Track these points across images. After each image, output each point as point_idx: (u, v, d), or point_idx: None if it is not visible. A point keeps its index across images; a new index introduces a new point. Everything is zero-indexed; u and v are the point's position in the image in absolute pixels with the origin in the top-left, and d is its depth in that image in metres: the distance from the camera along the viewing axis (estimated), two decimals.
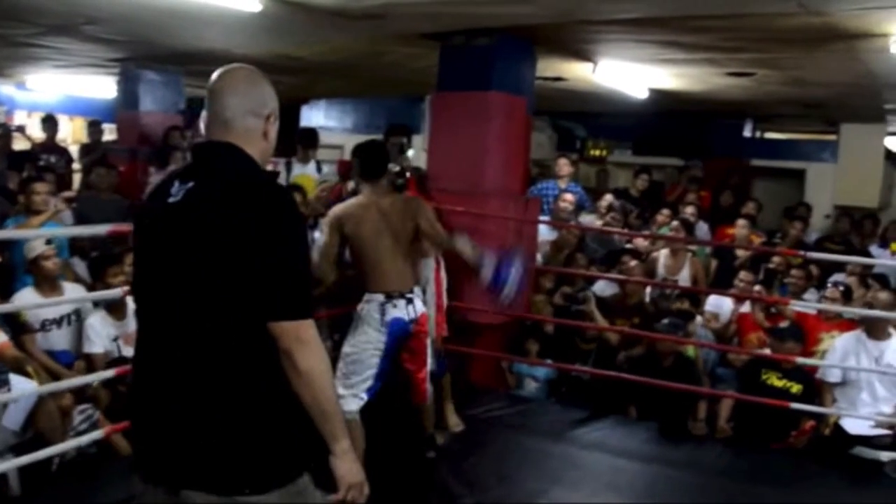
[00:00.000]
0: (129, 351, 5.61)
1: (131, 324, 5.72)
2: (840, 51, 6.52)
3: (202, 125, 2.38)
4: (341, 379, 4.43)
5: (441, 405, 5.47)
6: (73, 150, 11.41)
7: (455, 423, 5.61)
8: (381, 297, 4.51)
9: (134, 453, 2.37)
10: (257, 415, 2.22)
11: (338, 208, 4.61)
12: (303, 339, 2.19)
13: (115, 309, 5.68)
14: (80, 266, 6.85)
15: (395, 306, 4.50)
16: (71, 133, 13.67)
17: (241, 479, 2.20)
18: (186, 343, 2.23)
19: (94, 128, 10.80)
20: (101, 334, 5.66)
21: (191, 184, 2.26)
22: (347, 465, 2.32)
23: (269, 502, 2.22)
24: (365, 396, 4.50)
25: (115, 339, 5.70)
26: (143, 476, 2.32)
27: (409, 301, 4.56)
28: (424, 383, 4.83)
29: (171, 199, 2.25)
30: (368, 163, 4.66)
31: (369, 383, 4.52)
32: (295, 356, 2.18)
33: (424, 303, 4.77)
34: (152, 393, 2.29)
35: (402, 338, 4.58)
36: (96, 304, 5.86)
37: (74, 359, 5.66)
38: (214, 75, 2.36)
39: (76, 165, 10.51)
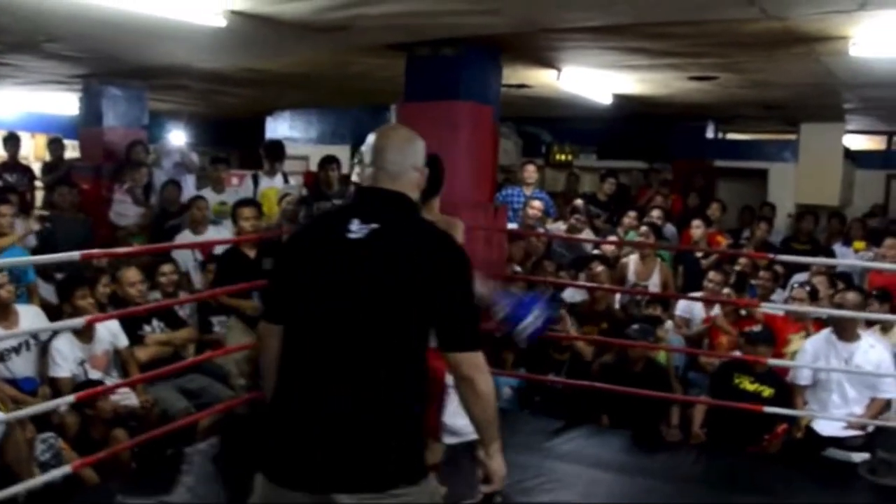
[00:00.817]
0: (95, 374, 5.58)
1: (97, 346, 5.68)
2: (800, 53, 6.58)
3: (359, 172, 2.82)
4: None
5: None
6: (36, 167, 11.31)
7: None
8: None
9: (274, 461, 2.60)
10: (410, 424, 2.60)
11: None
12: (480, 367, 2.60)
13: (81, 331, 5.54)
14: (44, 288, 6.78)
15: None
16: (33, 150, 13.51)
17: (396, 475, 2.52)
18: (359, 360, 2.53)
19: (56, 145, 10.68)
20: (68, 357, 5.54)
21: (375, 224, 2.58)
22: (500, 462, 2.78)
23: (418, 493, 2.57)
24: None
25: (82, 363, 5.60)
26: (282, 482, 2.57)
27: None
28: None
29: (352, 236, 2.58)
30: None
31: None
32: (476, 381, 2.59)
33: None
34: (316, 406, 2.56)
35: None
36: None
37: (38, 385, 5.54)
38: (378, 133, 2.76)
39: (39, 184, 10.40)
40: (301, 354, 2.63)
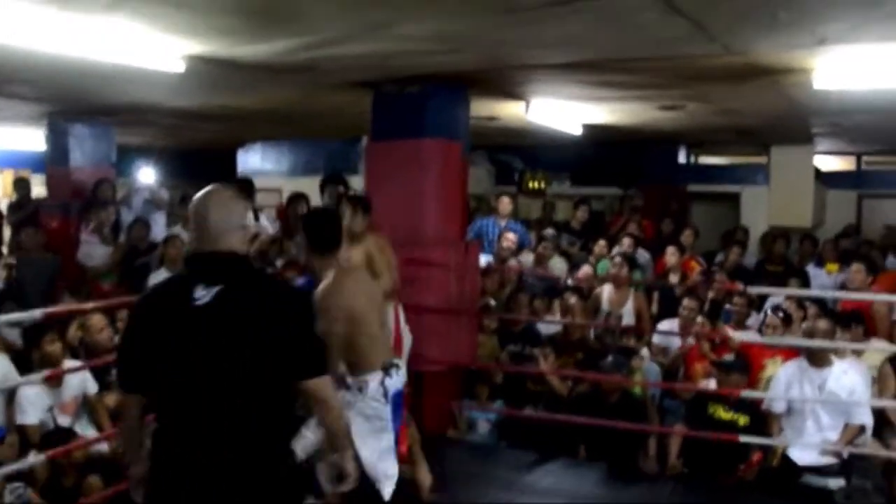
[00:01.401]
0: (64, 420, 5.53)
1: (66, 392, 5.64)
2: (765, 85, 6.64)
3: (190, 234, 3.03)
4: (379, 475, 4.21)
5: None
6: (4, 204, 11.20)
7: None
8: (380, 374, 4.21)
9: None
10: (284, 465, 2.92)
11: (324, 296, 4.13)
12: (330, 388, 3.05)
13: (49, 377, 5.47)
14: (10, 332, 6.69)
15: (391, 377, 4.24)
16: (1, 187, 13.39)
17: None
18: (228, 408, 2.77)
19: (21, 184, 10.60)
20: (36, 404, 5.48)
21: (218, 287, 2.78)
22: (351, 465, 3.25)
23: None
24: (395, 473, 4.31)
25: (51, 409, 5.55)
26: None
27: (398, 367, 4.34)
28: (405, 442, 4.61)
29: (199, 302, 2.76)
30: (322, 236, 4.29)
31: (392, 467, 4.29)
32: (328, 401, 3.01)
33: None
34: (191, 456, 2.79)
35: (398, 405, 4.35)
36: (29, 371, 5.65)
37: (5, 433, 5.45)
38: (200, 196, 2.92)
39: (5, 223, 10.30)
40: (174, 423, 2.85)
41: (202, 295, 2.77)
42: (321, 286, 4.19)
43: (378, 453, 4.19)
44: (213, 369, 2.76)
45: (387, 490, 4.22)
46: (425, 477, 5.23)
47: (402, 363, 4.51)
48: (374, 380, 4.19)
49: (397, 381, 4.28)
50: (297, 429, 3.27)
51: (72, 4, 4.33)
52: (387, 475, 4.23)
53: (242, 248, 2.90)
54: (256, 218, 8.48)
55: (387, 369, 4.25)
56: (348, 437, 3.26)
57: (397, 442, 4.41)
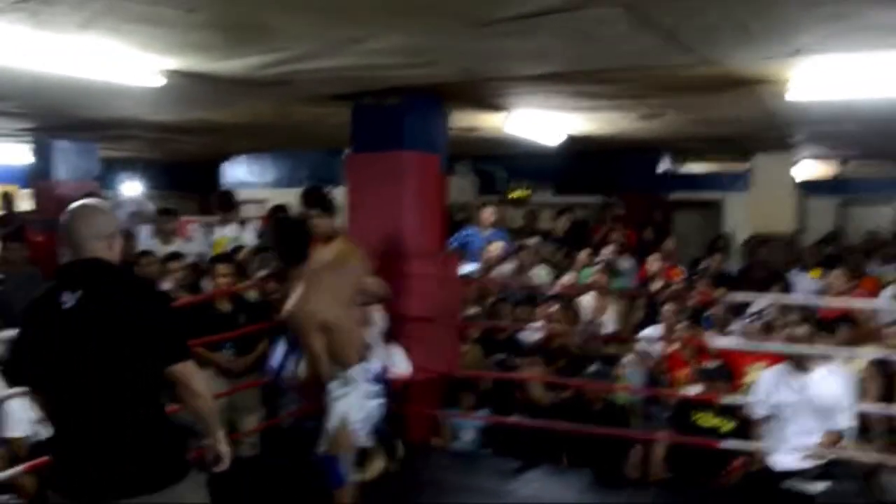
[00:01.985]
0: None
1: None
2: (742, 94, 6.68)
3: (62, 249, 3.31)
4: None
5: None
6: None
7: None
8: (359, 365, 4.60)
9: (61, 483, 3.25)
10: (159, 438, 3.24)
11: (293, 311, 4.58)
12: (193, 372, 3.24)
13: None
14: None
15: (368, 362, 4.65)
16: None
17: (161, 478, 3.19)
18: (103, 398, 3.12)
19: (5, 200, 10.58)
20: (22, 417, 5.43)
21: (80, 292, 3.12)
22: (225, 447, 3.45)
23: (184, 487, 3.23)
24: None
25: (38, 421, 5.41)
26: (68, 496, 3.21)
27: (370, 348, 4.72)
28: None
29: (65, 306, 3.10)
30: (288, 248, 4.63)
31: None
32: (191, 383, 3.22)
33: None
34: (79, 442, 3.18)
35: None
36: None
37: None
38: (68, 212, 3.25)
39: None
40: (56, 409, 3.25)
41: (67, 299, 3.11)
42: (289, 302, 4.52)
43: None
44: (79, 365, 3.11)
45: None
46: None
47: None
48: (358, 369, 4.54)
49: (374, 362, 4.66)
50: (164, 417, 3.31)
51: (46, 24, 4.36)
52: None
53: (108, 254, 3.22)
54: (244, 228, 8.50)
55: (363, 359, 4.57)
56: (216, 419, 3.43)
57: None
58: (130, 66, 5.38)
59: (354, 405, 4.54)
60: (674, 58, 5.18)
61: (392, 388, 5.20)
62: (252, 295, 7.08)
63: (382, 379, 4.71)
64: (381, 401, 4.72)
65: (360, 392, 4.55)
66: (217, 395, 5.94)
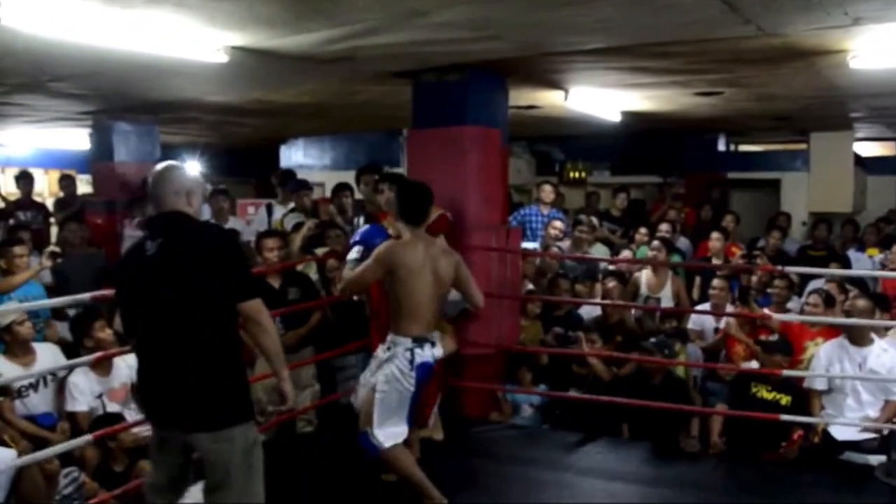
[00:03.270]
0: (113, 407, 5.61)
1: (115, 380, 5.74)
2: (801, 67, 6.65)
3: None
4: (376, 417, 4.56)
5: None
6: (50, 203, 11.36)
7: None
8: (408, 342, 4.53)
9: (150, 414, 3.79)
10: (223, 379, 3.51)
11: (390, 244, 4.70)
12: (261, 310, 3.54)
13: (99, 365, 5.59)
14: (58, 325, 6.86)
15: (422, 349, 4.54)
16: (47, 186, 13.61)
17: (222, 420, 3.50)
18: (176, 343, 3.48)
19: (67, 181, 10.75)
20: (85, 391, 5.59)
21: (160, 240, 3.53)
22: (289, 386, 3.69)
23: (241, 431, 3.53)
24: (397, 441, 4.62)
25: (100, 396, 5.65)
26: (159, 425, 3.73)
27: (433, 344, 4.61)
28: (431, 415, 5.07)
29: (148, 253, 3.53)
30: (412, 207, 4.69)
31: (400, 428, 4.63)
32: (259, 320, 3.53)
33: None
34: (159, 377, 3.59)
35: (426, 380, 4.64)
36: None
37: (56, 420, 5.57)
38: (153, 171, 3.68)
39: (53, 220, 10.49)
40: (143, 347, 3.65)
41: (150, 248, 3.53)
42: (392, 242, 4.73)
43: (386, 412, 4.56)
44: (158, 306, 3.49)
45: (385, 442, 4.58)
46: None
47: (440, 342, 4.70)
48: (403, 346, 4.53)
49: (428, 353, 4.55)
50: (234, 359, 3.62)
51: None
52: (391, 433, 4.60)
53: (186, 208, 3.60)
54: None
55: (419, 341, 4.52)
56: (281, 358, 3.65)
57: (422, 406, 4.85)
58: (195, 42, 5.42)
59: (389, 373, 4.56)
60: (733, 29, 5.14)
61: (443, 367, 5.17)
62: (312, 271, 7.19)
63: (423, 379, 4.62)
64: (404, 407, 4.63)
65: (398, 363, 4.56)
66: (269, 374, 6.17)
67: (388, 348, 4.59)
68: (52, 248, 6.76)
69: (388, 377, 4.52)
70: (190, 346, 3.49)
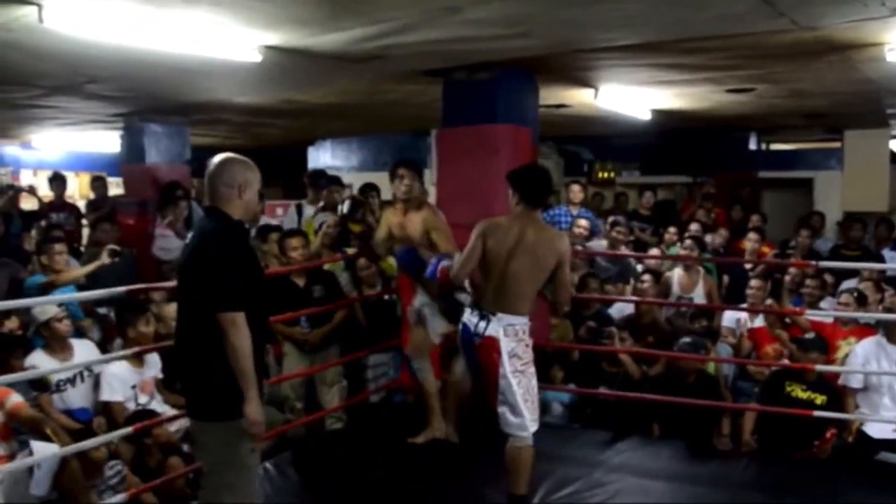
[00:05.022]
0: (145, 399, 5.81)
1: (148, 371, 5.93)
2: (836, 62, 6.58)
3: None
4: None
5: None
6: (81, 205, 11.52)
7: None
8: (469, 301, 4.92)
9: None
10: (215, 371, 3.53)
11: (486, 221, 4.86)
12: (233, 323, 3.46)
13: (135, 356, 5.74)
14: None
15: (473, 317, 4.76)
16: (78, 189, 13.77)
17: (206, 413, 3.65)
18: (181, 332, 3.73)
19: (99, 183, 10.88)
20: (123, 381, 5.78)
21: (194, 233, 3.81)
22: (254, 408, 3.55)
23: (223, 427, 3.58)
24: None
25: (133, 387, 5.82)
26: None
27: (486, 319, 4.71)
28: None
29: (186, 243, 3.87)
30: (535, 190, 4.81)
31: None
32: (228, 334, 3.46)
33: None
34: (175, 364, 4.09)
35: (469, 344, 4.80)
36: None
37: (92, 415, 5.71)
38: (209, 163, 3.69)
39: (85, 221, 10.60)
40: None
41: (189, 240, 3.82)
42: (489, 219, 4.90)
43: None
44: (178, 295, 3.77)
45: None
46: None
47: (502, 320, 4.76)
48: (468, 310, 4.82)
49: (480, 326, 4.71)
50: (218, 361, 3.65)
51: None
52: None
53: (233, 202, 3.63)
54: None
55: (479, 309, 4.75)
56: (247, 377, 3.54)
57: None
58: (229, 41, 5.48)
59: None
60: (767, 23, 5.11)
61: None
62: (340, 271, 7.21)
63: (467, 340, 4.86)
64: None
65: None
66: (299, 373, 6.32)
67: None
68: (112, 245, 6.87)
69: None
70: (190, 339, 3.66)
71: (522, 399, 4.69)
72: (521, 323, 4.73)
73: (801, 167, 12.37)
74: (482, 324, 4.68)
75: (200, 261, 3.55)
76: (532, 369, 4.80)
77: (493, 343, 4.66)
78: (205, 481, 3.78)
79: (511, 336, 4.67)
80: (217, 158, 3.69)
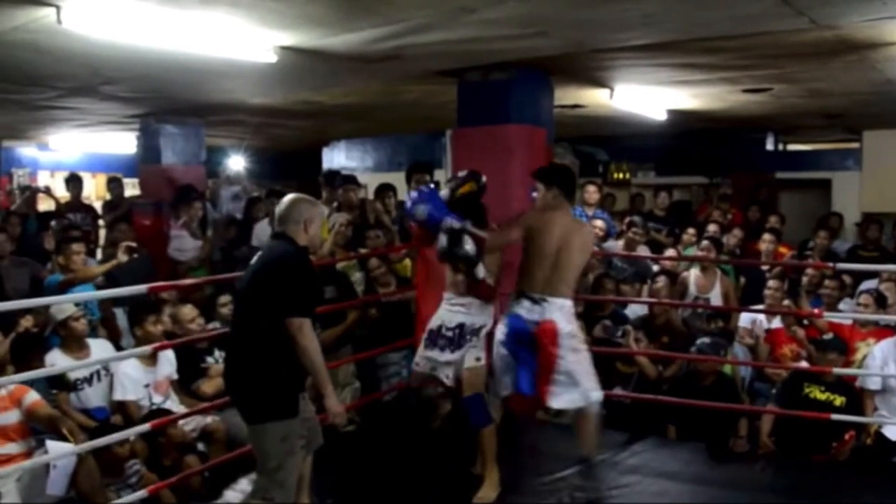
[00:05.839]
0: (159, 399, 5.84)
1: (160, 371, 5.94)
2: (855, 61, 6.52)
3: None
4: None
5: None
6: (97, 206, 11.56)
7: (485, 494, 5.11)
8: (513, 295, 4.97)
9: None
10: (268, 374, 4.00)
11: (532, 212, 5.21)
12: (300, 329, 3.92)
13: (147, 356, 5.78)
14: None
15: (519, 305, 4.91)
16: (94, 190, 13.85)
17: (253, 415, 4.06)
18: (239, 335, 4.16)
19: (115, 184, 10.90)
20: (134, 380, 5.80)
21: (261, 253, 4.23)
22: (333, 401, 4.10)
23: (271, 428, 3.97)
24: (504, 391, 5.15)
25: (146, 386, 5.84)
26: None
27: (536, 302, 4.89)
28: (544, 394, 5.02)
29: (252, 261, 4.22)
30: (572, 184, 5.20)
31: (505, 379, 5.09)
32: (297, 339, 3.91)
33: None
34: (226, 371, 4.35)
35: (521, 335, 4.89)
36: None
37: (109, 414, 5.77)
38: (285, 199, 4.23)
39: (101, 222, 10.64)
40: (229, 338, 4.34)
41: (254, 258, 4.22)
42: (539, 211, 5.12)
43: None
44: (237, 306, 4.35)
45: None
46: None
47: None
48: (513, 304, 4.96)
49: (535, 312, 4.89)
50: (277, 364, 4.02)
51: (170, 0, 4.50)
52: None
53: (298, 234, 4.15)
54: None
55: (528, 296, 4.93)
56: (322, 375, 4.03)
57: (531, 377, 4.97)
58: (246, 42, 5.49)
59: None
60: (785, 21, 5.07)
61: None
62: (354, 272, 7.20)
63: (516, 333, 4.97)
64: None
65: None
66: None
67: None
68: (128, 243, 6.90)
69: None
70: (249, 347, 4.07)
71: (586, 371, 5.04)
72: (571, 305, 5.04)
73: (819, 168, 12.26)
74: (537, 309, 4.88)
75: (271, 274, 4.04)
76: (585, 345, 5.20)
77: (552, 326, 4.84)
78: (261, 481, 4.12)
79: (567, 316, 4.96)
80: (287, 198, 4.22)
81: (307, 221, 4.19)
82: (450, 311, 5.19)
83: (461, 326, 5.12)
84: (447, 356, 5.14)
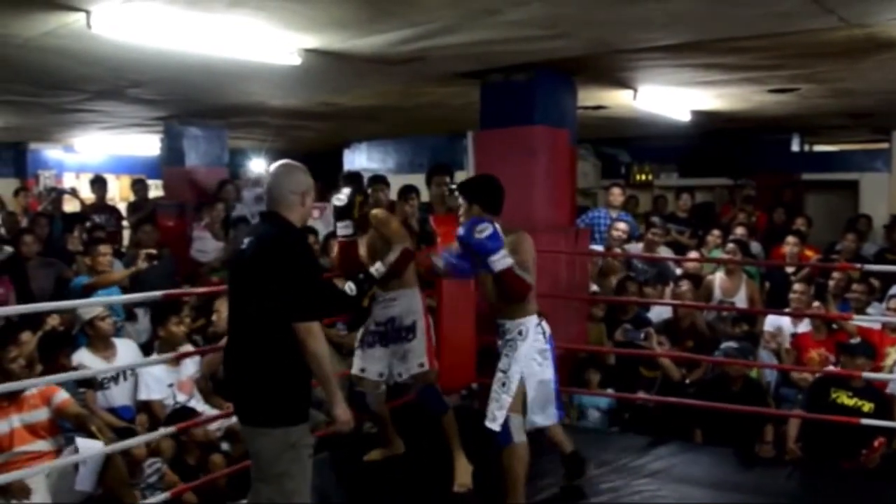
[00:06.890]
0: (183, 398, 5.89)
1: (184, 371, 6.00)
2: (885, 60, 6.44)
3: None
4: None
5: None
6: (122, 207, 11.66)
7: (462, 481, 5.09)
8: (535, 318, 4.60)
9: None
10: (278, 376, 3.56)
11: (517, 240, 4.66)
12: (311, 333, 3.47)
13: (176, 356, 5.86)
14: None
15: (539, 327, 4.61)
16: (118, 191, 13.91)
17: (262, 418, 3.59)
18: (242, 333, 3.65)
19: (139, 185, 11.01)
20: (159, 380, 5.87)
21: (253, 238, 3.65)
22: (342, 409, 3.66)
23: (280, 433, 3.55)
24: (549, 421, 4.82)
25: (170, 386, 5.91)
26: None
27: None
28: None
29: (242, 247, 3.66)
30: (495, 198, 4.69)
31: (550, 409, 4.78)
32: (306, 343, 3.46)
33: None
34: (228, 370, 3.88)
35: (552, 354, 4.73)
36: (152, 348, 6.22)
37: (135, 413, 5.82)
38: (270, 169, 3.77)
39: (125, 223, 10.71)
40: (228, 338, 3.83)
41: (245, 244, 3.64)
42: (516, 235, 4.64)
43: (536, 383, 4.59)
44: (235, 302, 3.70)
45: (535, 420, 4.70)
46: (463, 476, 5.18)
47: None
48: (531, 322, 4.57)
49: (548, 330, 4.66)
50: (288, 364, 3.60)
51: (197, 4, 4.53)
52: (540, 410, 4.70)
53: (294, 208, 3.64)
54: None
55: (540, 316, 4.64)
56: (329, 382, 3.61)
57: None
58: (270, 45, 5.53)
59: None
60: (813, 20, 5.02)
61: None
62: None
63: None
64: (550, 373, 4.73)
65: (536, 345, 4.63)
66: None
67: (520, 332, 4.58)
68: (148, 251, 6.98)
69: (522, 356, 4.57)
70: (251, 347, 3.61)
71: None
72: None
73: (847, 169, 12.08)
74: (547, 327, 4.68)
75: (270, 269, 3.50)
76: None
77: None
78: (265, 489, 3.68)
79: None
80: (280, 164, 3.74)
81: (305, 192, 3.69)
82: (383, 309, 5.14)
83: (391, 320, 5.12)
84: (378, 351, 5.17)
